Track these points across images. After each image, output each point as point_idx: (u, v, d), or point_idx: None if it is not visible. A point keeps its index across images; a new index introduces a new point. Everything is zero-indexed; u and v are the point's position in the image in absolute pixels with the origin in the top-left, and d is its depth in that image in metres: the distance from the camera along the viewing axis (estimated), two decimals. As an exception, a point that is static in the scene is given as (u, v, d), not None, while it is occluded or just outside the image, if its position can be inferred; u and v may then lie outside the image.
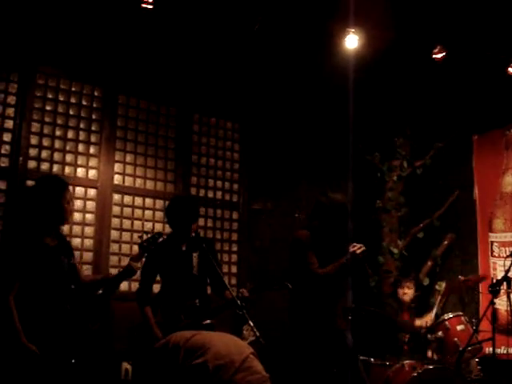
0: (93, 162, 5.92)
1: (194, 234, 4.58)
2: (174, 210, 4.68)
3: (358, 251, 4.44)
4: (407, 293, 6.07)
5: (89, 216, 5.82)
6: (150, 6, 5.17)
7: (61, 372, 3.55)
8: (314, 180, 7.24)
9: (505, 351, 6.16)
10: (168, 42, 6.16)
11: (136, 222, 6.12)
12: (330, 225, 4.59)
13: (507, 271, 5.23)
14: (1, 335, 3.51)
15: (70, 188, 4.15)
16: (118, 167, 6.08)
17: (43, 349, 3.49)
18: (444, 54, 5.90)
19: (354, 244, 4.50)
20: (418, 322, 6.00)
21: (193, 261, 4.61)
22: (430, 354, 5.51)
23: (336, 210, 4.56)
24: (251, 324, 3.79)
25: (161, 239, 4.38)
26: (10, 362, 3.46)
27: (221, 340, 2.94)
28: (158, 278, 4.70)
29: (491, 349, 5.13)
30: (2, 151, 5.46)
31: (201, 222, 6.39)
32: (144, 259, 4.46)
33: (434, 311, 6.85)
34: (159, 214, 6.24)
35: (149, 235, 4.25)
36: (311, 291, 4.63)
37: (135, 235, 6.04)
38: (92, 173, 5.90)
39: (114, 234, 5.97)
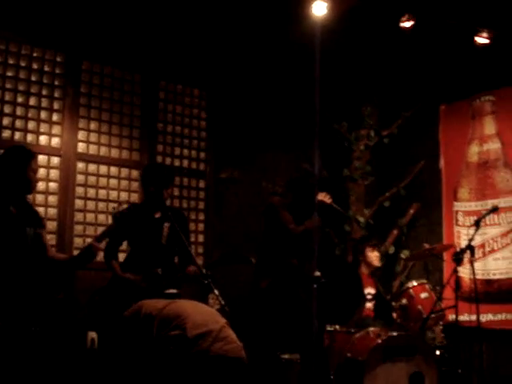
0: (56, 129, 5.80)
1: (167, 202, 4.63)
2: (147, 177, 4.71)
3: (326, 199, 4.62)
4: (372, 256, 6.05)
5: (52, 185, 5.72)
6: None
7: (20, 339, 3.52)
8: (282, 149, 7.22)
9: (467, 318, 6.26)
10: (133, 6, 6.00)
11: (101, 191, 6.03)
12: (304, 196, 4.74)
13: (471, 240, 5.32)
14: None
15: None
16: (81, 135, 5.97)
17: (1, 316, 3.46)
18: (412, 22, 5.87)
19: (321, 193, 4.66)
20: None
21: (163, 230, 4.63)
22: (394, 321, 5.58)
23: (311, 183, 4.73)
24: (216, 293, 3.81)
25: (132, 209, 4.42)
26: None
27: (195, 309, 2.93)
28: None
29: (455, 316, 5.25)
30: (-38, 118, 5.32)
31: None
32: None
33: (399, 279, 6.98)
34: (125, 183, 6.17)
35: (124, 206, 4.24)
36: (281, 256, 4.75)
37: (100, 204, 5.99)
38: (55, 141, 5.78)
39: (79, 203, 5.88)
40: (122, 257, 4.82)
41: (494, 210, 5.55)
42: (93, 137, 6.04)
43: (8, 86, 5.58)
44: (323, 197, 4.86)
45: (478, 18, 6.03)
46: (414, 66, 7.04)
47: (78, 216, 5.86)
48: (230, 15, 6.23)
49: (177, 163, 6.58)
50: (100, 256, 4.77)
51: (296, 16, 6.02)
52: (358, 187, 7.24)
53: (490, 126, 6.62)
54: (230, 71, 6.83)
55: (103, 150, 6.10)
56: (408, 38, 6.20)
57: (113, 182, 6.12)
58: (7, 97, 5.56)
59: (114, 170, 6.14)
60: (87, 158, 5.97)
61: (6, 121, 5.52)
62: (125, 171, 6.19)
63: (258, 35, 6.61)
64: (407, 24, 5.88)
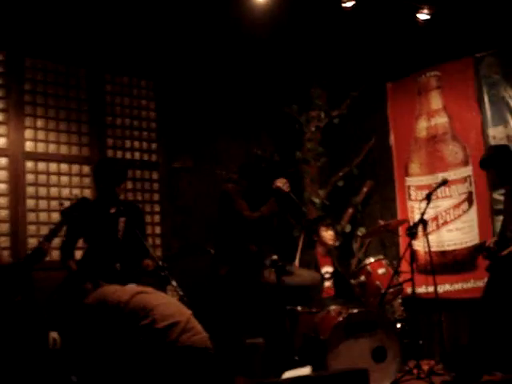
0: (1, 129, 5.67)
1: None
2: (99, 172, 4.68)
3: (285, 187, 4.64)
4: (326, 235, 6.10)
5: (1, 186, 5.60)
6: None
7: None
8: (234, 135, 7.21)
9: (425, 290, 6.41)
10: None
11: (52, 189, 5.94)
12: (257, 181, 4.77)
13: (423, 214, 5.42)
14: None
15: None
16: (29, 133, 5.85)
17: None
18: (353, 2, 5.90)
19: (279, 179, 4.67)
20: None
21: (119, 225, 4.60)
22: (355, 298, 5.66)
23: (263, 167, 4.76)
24: (174, 284, 3.81)
25: (85, 204, 4.35)
26: None
27: (161, 301, 2.93)
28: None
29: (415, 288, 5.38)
30: None
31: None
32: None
33: (357, 257, 7.08)
34: (76, 179, 6.09)
35: (71, 201, 4.17)
36: (239, 243, 4.77)
37: (53, 203, 5.90)
38: (1, 141, 5.65)
39: (31, 203, 5.78)
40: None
41: (444, 182, 5.67)
42: (40, 134, 5.93)
43: None
44: (282, 184, 4.86)
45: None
46: (359, 45, 7.10)
47: (31, 216, 5.76)
48: (171, 2, 6.16)
49: (128, 156, 6.51)
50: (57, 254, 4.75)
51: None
52: (312, 169, 7.29)
53: (436, 101, 6.73)
54: (176, 59, 6.77)
55: (52, 148, 6.00)
56: (351, 17, 6.25)
57: (64, 179, 6.03)
58: None
59: (64, 167, 6.04)
60: (36, 157, 5.86)
61: None
62: (75, 167, 6.11)
63: (202, 21, 6.56)
64: (349, 4, 5.92)
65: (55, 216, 5.81)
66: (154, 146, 6.72)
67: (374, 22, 6.64)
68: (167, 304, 2.98)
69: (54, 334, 5.15)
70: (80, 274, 4.41)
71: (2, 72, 5.76)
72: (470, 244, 6.23)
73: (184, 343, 2.79)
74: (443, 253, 6.47)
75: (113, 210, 4.64)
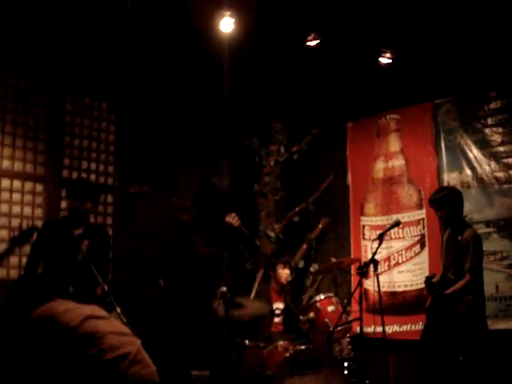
0: (-46, 141, 5.55)
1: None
2: (73, 191, 4.63)
3: (234, 221, 4.62)
4: (282, 274, 6.12)
5: (-51, 199, 5.46)
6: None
7: None
8: (192, 164, 7.19)
9: (374, 330, 6.41)
10: (38, 16, 5.84)
11: (3, 206, 5.80)
12: (214, 211, 4.74)
13: (374, 253, 5.46)
14: None
15: None
16: (-17, 147, 5.74)
17: None
18: (318, 41, 6.00)
19: (229, 214, 4.64)
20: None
21: (81, 247, 4.50)
22: (303, 334, 5.64)
23: (220, 197, 4.74)
24: (118, 310, 3.72)
25: (34, 233, 4.28)
26: None
27: (112, 328, 2.81)
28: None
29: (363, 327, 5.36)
30: None
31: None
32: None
33: (308, 293, 7.07)
34: (28, 197, 5.96)
35: (21, 230, 4.12)
36: (188, 275, 4.70)
37: (2, 219, 5.75)
38: (-47, 153, 5.53)
39: (-22, 219, 5.64)
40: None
41: (397, 224, 5.72)
42: (-5, 149, 5.82)
43: None
44: (232, 219, 4.82)
45: (382, 39, 6.25)
46: (323, 83, 7.20)
47: (-21, 232, 5.62)
48: (137, 28, 6.16)
49: (84, 177, 6.42)
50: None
51: (204, 30, 6.02)
52: (268, 202, 7.31)
53: (394, 144, 6.85)
54: (139, 85, 6.74)
55: (6, 163, 5.87)
56: (316, 56, 6.35)
57: (16, 196, 5.90)
58: None
59: (17, 183, 5.92)
60: (-11, 172, 5.74)
61: None
62: (29, 185, 5.98)
63: (167, 49, 6.58)
64: (313, 43, 6.01)
65: (4, 233, 5.68)
66: (110, 168, 6.65)
67: (337, 62, 6.76)
68: (117, 332, 2.87)
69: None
70: (29, 289, 4.30)
71: (-39, 84, 5.66)
72: (420, 286, 6.28)
73: (133, 376, 2.68)
74: (393, 293, 6.51)
75: (79, 231, 4.54)
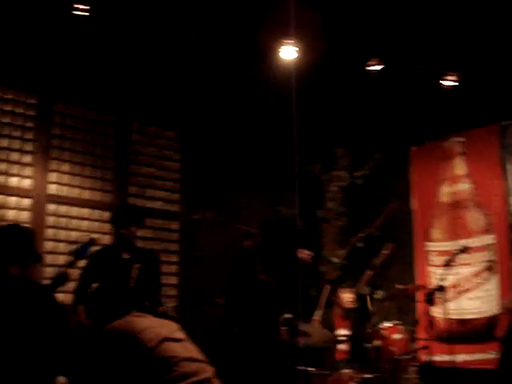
0: (27, 171, 5.77)
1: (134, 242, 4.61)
2: (115, 217, 4.76)
3: (307, 257, 4.58)
4: (345, 298, 6.06)
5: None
6: (84, 13, 5.06)
7: None
8: (255, 190, 7.24)
9: (441, 358, 6.24)
10: (105, 49, 6.06)
11: (73, 233, 5.98)
12: (278, 238, 4.73)
13: (442, 280, 5.34)
14: None
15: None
16: (54, 177, 5.94)
17: None
18: (381, 66, 5.98)
19: (303, 250, 4.61)
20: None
21: (132, 271, 4.56)
22: (369, 362, 5.53)
23: (285, 226, 4.72)
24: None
25: (96, 247, 4.37)
26: None
27: (185, 353, 2.74)
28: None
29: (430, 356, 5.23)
30: None
31: (140, 232, 6.28)
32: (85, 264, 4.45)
33: (373, 320, 6.94)
34: (97, 225, 6.12)
35: (82, 243, 4.22)
36: (252, 302, 4.68)
37: (72, 247, 5.91)
38: (26, 182, 5.74)
39: (49, 245, 5.82)
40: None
41: (464, 249, 5.59)
42: (65, 178, 6.02)
43: (-21, 127, 5.57)
44: (305, 255, 4.78)
45: (445, 62, 6.17)
46: (385, 108, 7.16)
47: (49, 258, 5.78)
48: (202, 58, 6.29)
49: (149, 205, 6.56)
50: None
51: (269, 60, 6.11)
52: (332, 228, 7.27)
53: (460, 167, 6.72)
54: (204, 113, 6.88)
55: (76, 192, 6.07)
56: (378, 81, 6.32)
57: (85, 223, 6.08)
58: (-22, 139, 5.55)
59: (86, 211, 6.10)
60: (59, 200, 5.93)
61: (-24, 162, 5.50)
62: (97, 213, 6.15)
63: (232, 78, 6.69)
64: (376, 68, 5.99)
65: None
66: (175, 196, 6.77)
67: (399, 86, 6.71)
68: (192, 359, 2.81)
69: (61, 379, 5.09)
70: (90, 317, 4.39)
71: (33, 115, 5.89)
72: (490, 313, 6.10)
73: None
74: (462, 321, 6.33)
75: (126, 256, 4.63)
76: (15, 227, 4.05)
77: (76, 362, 4.18)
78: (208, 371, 2.77)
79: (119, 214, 4.77)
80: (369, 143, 7.51)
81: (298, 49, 5.77)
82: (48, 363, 3.44)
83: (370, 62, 5.94)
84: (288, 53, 5.83)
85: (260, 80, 6.64)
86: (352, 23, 5.82)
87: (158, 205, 6.62)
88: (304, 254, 4.70)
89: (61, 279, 3.98)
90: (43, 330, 3.45)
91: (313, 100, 7.09)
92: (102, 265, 4.51)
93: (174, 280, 6.60)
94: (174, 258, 6.66)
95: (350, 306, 6.06)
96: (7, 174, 5.64)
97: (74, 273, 4.25)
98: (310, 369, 5.20)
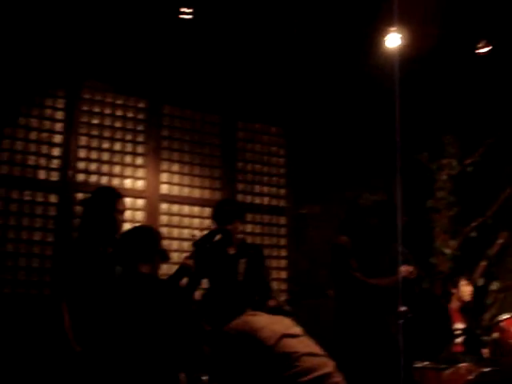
0: (140, 172, 6.01)
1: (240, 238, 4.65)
2: (214, 212, 4.80)
3: (411, 275, 4.42)
4: (466, 290, 5.91)
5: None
6: (189, 16, 5.21)
7: None
8: (362, 181, 7.14)
9: None
10: (208, 51, 6.19)
11: (184, 231, 6.17)
12: (368, 227, 4.57)
13: None
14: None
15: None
16: (165, 177, 6.16)
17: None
18: (489, 48, 5.76)
19: (406, 268, 4.45)
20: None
21: (239, 266, 4.63)
22: (485, 355, 5.36)
23: (371, 211, 4.55)
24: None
25: (217, 237, 4.44)
26: None
27: (304, 348, 2.74)
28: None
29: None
30: (52, 165, 5.60)
31: (248, 228, 6.41)
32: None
33: (490, 312, 6.71)
34: (207, 222, 6.25)
35: (203, 232, 4.30)
36: (357, 297, 4.61)
37: (184, 244, 6.11)
38: (139, 183, 5.99)
39: (164, 243, 6.00)
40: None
41: None
42: (175, 178, 6.22)
43: (94, 132, 5.85)
44: (408, 273, 4.57)
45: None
46: (494, 92, 6.87)
47: (164, 255, 5.99)
48: (303, 52, 6.29)
49: (257, 201, 6.66)
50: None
51: (371, 48, 6.03)
52: (443, 218, 7.07)
53: None
54: (307, 107, 6.88)
55: (186, 191, 6.26)
56: (485, 64, 6.08)
57: (196, 221, 6.26)
58: (93, 143, 5.83)
59: (196, 209, 6.28)
60: (170, 199, 6.14)
61: (92, 166, 5.78)
62: (207, 210, 6.28)
63: (334, 70, 6.65)
64: (484, 50, 5.77)
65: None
66: (282, 191, 6.83)
67: (508, 68, 6.41)
68: (312, 354, 2.80)
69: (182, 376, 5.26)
70: (199, 316, 4.50)
71: (143, 119, 6.13)
72: None
73: None
74: None
75: (232, 251, 4.69)
76: (144, 228, 4.25)
77: (202, 359, 4.31)
78: (329, 366, 2.74)
79: (221, 210, 4.82)
80: (478, 128, 7.23)
81: (401, 35, 5.66)
82: (174, 359, 3.58)
83: (478, 45, 5.73)
84: (392, 40, 5.75)
85: (364, 69, 6.56)
86: (460, 4, 5.62)
87: (265, 200, 6.70)
88: (407, 272, 4.49)
89: (184, 271, 4.12)
90: (171, 327, 3.60)
91: (418, 87, 6.92)
92: (209, 261, 4.61)
93: (283, 274, 6.66)
94: (283, 253, 6.72)
95: (468, 299, 5.89)
96: (122, 176, 5.91)
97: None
98: (425, 363, 5.11)
